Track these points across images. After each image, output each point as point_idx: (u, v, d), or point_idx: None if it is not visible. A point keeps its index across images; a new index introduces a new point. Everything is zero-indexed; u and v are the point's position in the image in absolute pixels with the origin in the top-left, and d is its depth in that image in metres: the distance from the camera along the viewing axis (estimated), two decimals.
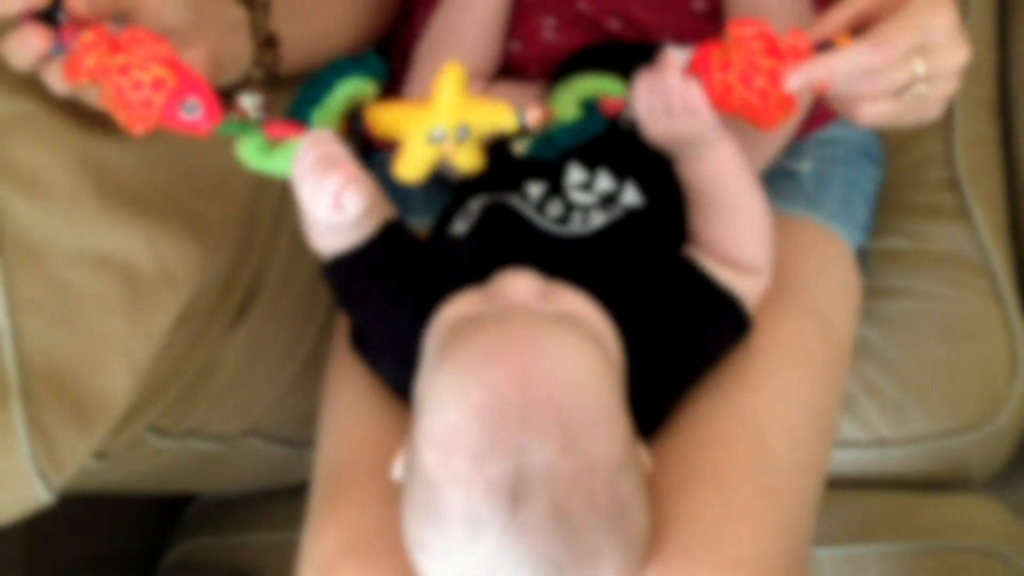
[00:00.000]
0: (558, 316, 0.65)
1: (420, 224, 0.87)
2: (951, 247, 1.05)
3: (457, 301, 0.68)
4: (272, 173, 0.69)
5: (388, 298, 0.72)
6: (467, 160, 0.71)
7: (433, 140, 0.68)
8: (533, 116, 0.70)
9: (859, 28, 0.65)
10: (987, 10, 1.12)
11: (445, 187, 0.87)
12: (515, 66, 0.86)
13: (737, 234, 0.73)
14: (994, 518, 1.05)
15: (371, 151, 1.02)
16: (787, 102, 0.66)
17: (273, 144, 0.68)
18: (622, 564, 0.62)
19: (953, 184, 1.08)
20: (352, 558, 0.69)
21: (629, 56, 0.82)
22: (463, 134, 0.68)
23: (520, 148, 0.73)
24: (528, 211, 0.74)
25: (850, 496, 1.04)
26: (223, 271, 0.82)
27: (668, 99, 0.67)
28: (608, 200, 0.74)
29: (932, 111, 0.67)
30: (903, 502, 1.05)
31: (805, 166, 0.92)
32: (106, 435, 0.71)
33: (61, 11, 0.62)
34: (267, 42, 0.75)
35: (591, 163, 0.76)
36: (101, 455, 0.79)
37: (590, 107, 0.72)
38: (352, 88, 0.71)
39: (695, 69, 0.68)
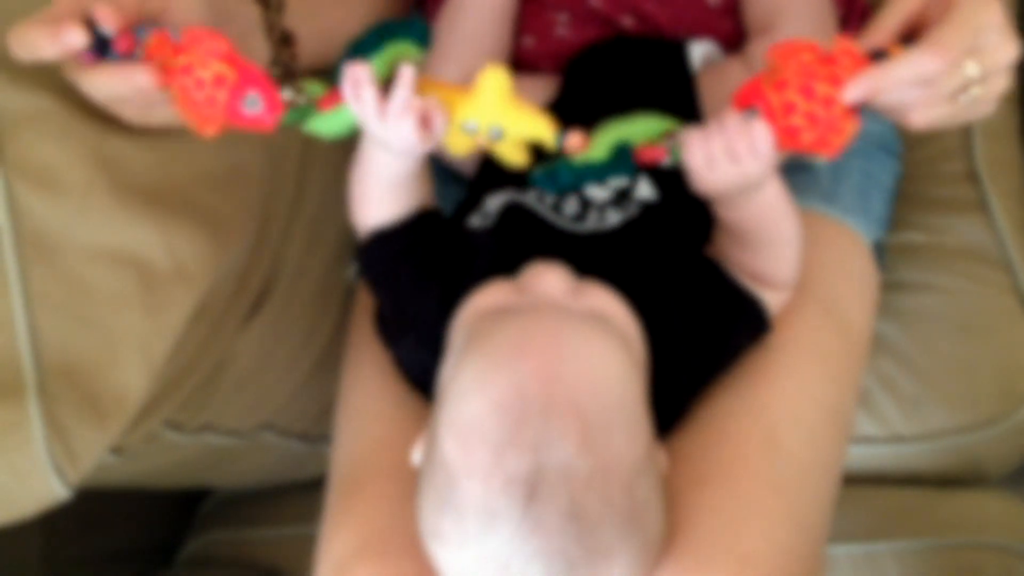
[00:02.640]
0: (587, 314, 0.65)
1: None
2: (969, 241, 1.04)
3: (487, 290, 0.68)
4: (341, 133, 0.68)
5: (416, 282, 0.72)
6: (510, 155, 0.69)
7: (466, 131, 0.67)
8: (573, 141, 0.67)
9: (907, 34, 0.63)
10: (1008, 1, 1.11)
11: (459, 180, 0.87)
12: (528, 61, 0.86)
13: (771, 263, 0.72)
14: (1011, 514, 1.04)
15: None
16: (850, 112, 0.62)
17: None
18: (635, 564, 0.61)
19: (972, 177, 1.07)
20: (368, 557, 0.69)
21: (641, 51, 0.82)
22: (496, 134, 0.67)
23: (537, 168, 0.71)
24: (545, 210, 0.74)
25: (867, 492, 1.04)
26: (238, 266, 0.82)
27: (731, 143, 0.63)
28: (622, 195, 0.74)
29: (985, 109, 0.66)
30: (920, 498, 1.04)
31: (821, 160, 0.91)
32: (122, 430, 0.71)
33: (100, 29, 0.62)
34: (283, 40, 0.75)
35: None
36: (117, 450, 0.80)
37: (621, 152, 0.67)
38: (397, 51, 0.68)
39: (746, 100, 0.64)
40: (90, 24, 0.61)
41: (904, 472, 1.04)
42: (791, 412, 0.73)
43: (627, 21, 0.84)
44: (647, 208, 0.74)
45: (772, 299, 0.73)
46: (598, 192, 0.75)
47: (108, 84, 0.63)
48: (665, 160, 0.66)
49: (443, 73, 0.83)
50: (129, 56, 0.63)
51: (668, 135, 0.67)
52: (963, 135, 1.08)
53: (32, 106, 0.65)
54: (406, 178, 0.70)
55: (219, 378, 0.87)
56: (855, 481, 1.02)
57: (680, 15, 0.83)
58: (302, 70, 0.77)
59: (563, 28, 0.85)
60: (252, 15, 0.74)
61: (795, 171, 0.89)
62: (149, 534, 1.25)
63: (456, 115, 0.66)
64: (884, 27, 0.64)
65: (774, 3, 0.78)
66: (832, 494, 0.76)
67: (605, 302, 0.67)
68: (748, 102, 0.64)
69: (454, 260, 0.72)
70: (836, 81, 0.62)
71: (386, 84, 0.66)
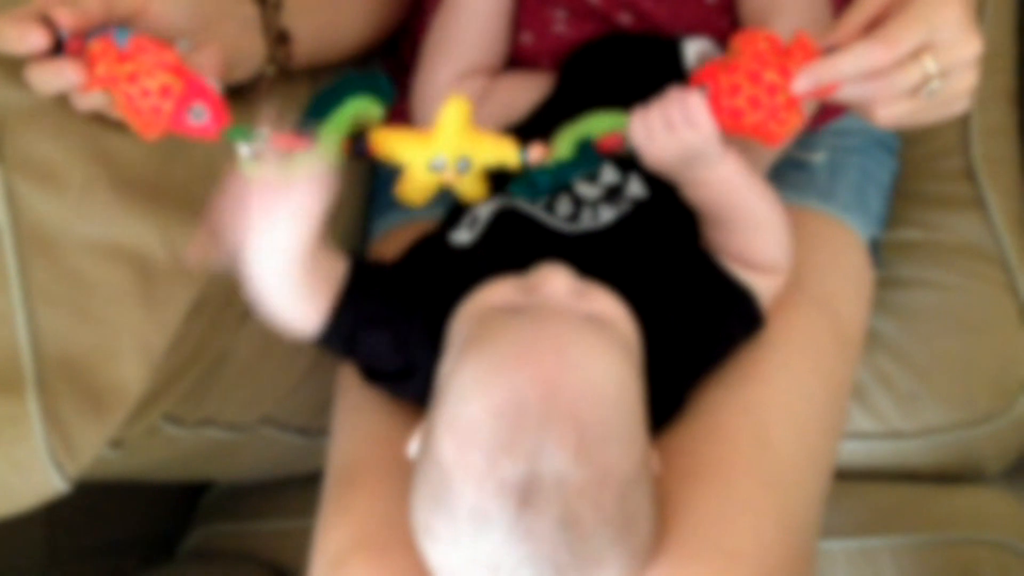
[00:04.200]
0: (589, 318, 0.65)
1: (425, 219, 0.87)
2: (966, 238, 1.04)
3: (495, 287, 0.68)
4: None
5: (399, 344, 0.71)
6: (470, 190, 0.72)
7: (434, 169, 0.69)
8: (535, 154, 0.69)
9: (872, 31, 0.64)
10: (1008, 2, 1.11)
11: None
12: (526, 58, 0.86)
13: (753, 243, 0.72)
14: (1008, 510, 1.04)
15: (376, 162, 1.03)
16: (794, 105, 0.65)
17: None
18: (624, 570, 0.62)
19: (969, 174, 1.07)
20: (363, 552, 0.70)
21: (636, 48, 0.82)
22: (463, 166, 0.69)
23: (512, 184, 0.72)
24: (538, 212, 0.74)
25: (863, 488, 1.04)
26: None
27: (666, 111, 0.66)
28: (614, 192, 0.74)
29: (957, 106, 0.66)
30: (916, 494, 1.05)
31: (819, 157, 0.91)
32: (121, 424, 0.71)
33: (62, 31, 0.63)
34: (279, 39, 0.76)
35: None
36: (116, 444, 0.80)
37: (584, 147, 0.70)
38: (359, 107, 0.70)
39: (699, 80, 0.67)
40: (53, 26, 0.63)
41: (900, 468, 1.05)
42: (782, 408, 0.74)
43: (625, 18, 0.84)
44: (639, 205, 0.74)
45: (765, 286, 0.73)
46: (589, 190, 0.75)
47: (41, 78, 0.64)
48: (624, 146, 0.69)
49: (440, 72, 0.83)
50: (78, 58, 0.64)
51: (624, 125, 0.69)
52: (961, 132, 1.08)
53: (31, 102, 0.66)
54: (303, 273, 0.67)
55: (218, 372, 0.87)
56: (851, 477, 1.03)
57: (678, 12, 0.83)
58: (297, 69, 0.77)
59: (561, 25, 0.85)
60: (249, 13, 0.74)
61: (792, 168, 0.90)
62: (151, 526, 1.25)
63: (423, 156, 0.68)
64: (848, 24, 0.65)
65: (770, 2, 0.78)
66: (823, 490, 0.76)
67: (608, 305, 0.67)
68: (701, 81, 0.66)
69: (436, 286, 0.71)
70: (785, 72, 0.64)
71: (348, 139, 0.69)
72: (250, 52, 0.73)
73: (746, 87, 0.65)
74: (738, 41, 0.66)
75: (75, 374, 0.67)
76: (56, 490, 0.68)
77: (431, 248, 0.77)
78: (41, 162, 0.66)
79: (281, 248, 0.65)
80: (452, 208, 0.80)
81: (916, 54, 0.62)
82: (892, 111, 0.65)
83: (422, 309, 0.71)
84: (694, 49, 0.81)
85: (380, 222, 0.96)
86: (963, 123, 1.08)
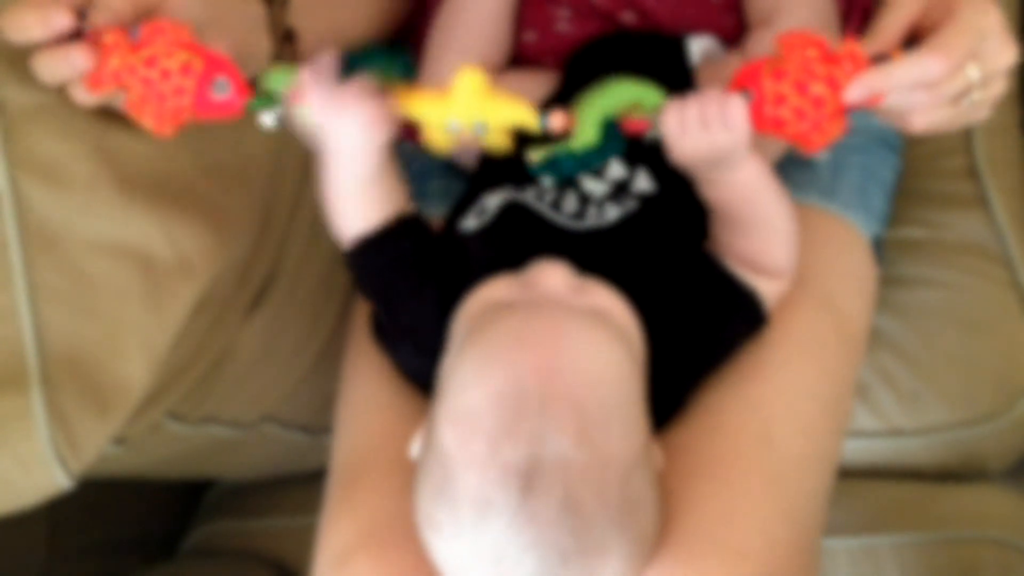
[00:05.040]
0: (588, 311, 0.65)
1: (437, 213, 0.87)
2: (969, 236, 1.04)
3: (492, 285, 0.69)
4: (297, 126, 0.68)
5: (409, 290, 0.73)
6: (495, 143, 0.69)
7: (451, 131, 0.68)
8: (556, 122, 0.68)
9: (907, 39, 0.64)
10: (1009, 4, 1.11)
11: (463, 177, 0.88)
12: (530, 56, 0.87)
13: (763, 245, 0.72)
14: (1010, 508, 1.05)
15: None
16: (839, 114, 0.63)
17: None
18: (628, 558, 0.62)
19: (972, 172, 1.07)
20: (367, 548, 0.70)
21: (640, 46, 0.82)
22: (480, 130, 0.68)
23: (534, 156, 0.71)
24: (544, 208, 0.74)
25: (866, 486, 1.04)
26: (240, 259, 0.82)
27: (704, 109, 0.64)
28: (620, 188, 0.74)
29: (982, 113, 0.66)
30: (919, 492, 1.05)
31: (821, 154, 0.91)
32: (124, 421, 0.71)
33: (85, 24, 0.62)
34: (285, 37, 0.76)
35: None
36: (120, 441, 0.80)
37: (609, 128, 0.68)
38: (382, 66, 0.69)
39: (742, 82, 0.64)
40: (80, 14, 0.62)
41: (903, 466, 1.05)
42: (785, 406, 0.74)
43: (628, 17, 0.84)
44: (646, 201, 0.74)
45: (769, 289, 0.73)
46: (596, 186, 0.75)
47: (48, 65, 0.63)
48: (649, 131, 0.67)
49: (444, 72, 0.83)
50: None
51: (653, 109, 0.67)
52: (963, 131, 1.08)
53: (36, 100, 0.66)
54: (371, 181, 0.69)
55: (222, 370, 0.87)
56: (854, 475, 1.03)
57: (681, 10, 0.83)
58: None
59: (564, 23, 0.85)
60: (255, 12, 0.74)
61: (794, 166, 0.90)
62: (153, 524, 1.25)
63: (439, 118, 0.67)
64: (887, 31, 0.64)
65: (776, 2, 0.78)
66: (826, 488, 0.76)
67: (606, 300, 0.67)
68: (744, 84, 0.64)
69: (449, 263, 0.73)
70: (833, 83, 0.62)
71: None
72: (257, 50, 0.73)
73: (792, 98, 0.63)
74: (784, 44, 0.64)
75: (79, 371, 0.67)
76: (60, 486, 0.68)
77: (442, 234, 0.78)
78: (46, 160, 0.66)
79: (357, 150, 0.67)
80: (460, 198, 0.80)
81: (963, 63, 0.62)
82: (931, 118, 0.64)
83: (436, 278, 0.72)
84: (698, 47, 0.81)
85: None
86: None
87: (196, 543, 1.20)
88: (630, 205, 0.74)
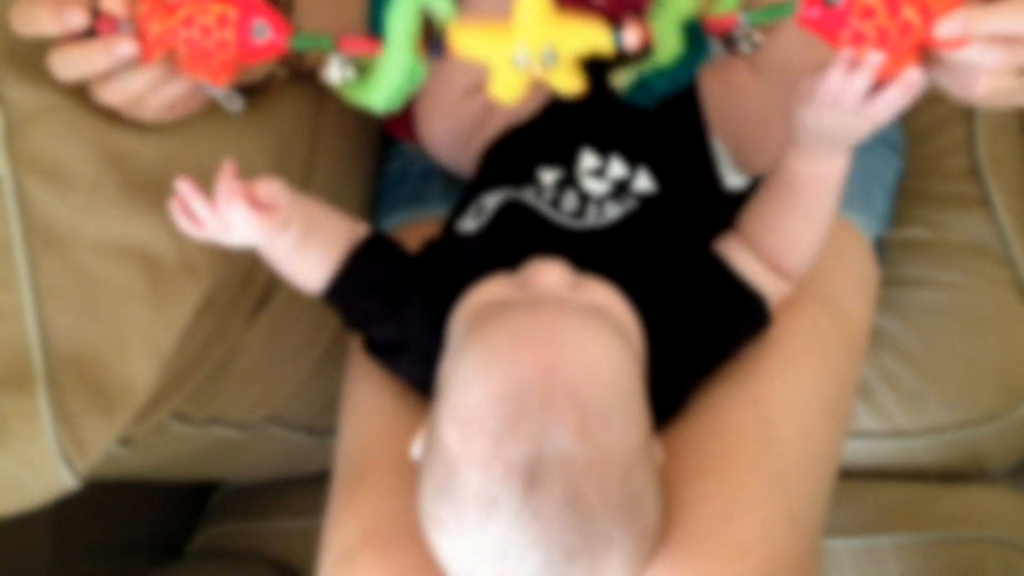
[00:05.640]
0: (586, 307, 0.65)
1: (437, 215, 0.87)
2: (972, 237, 1.04)
3: (488, 285, 0.69)
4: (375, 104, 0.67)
5: (391, 309, 0.73)
6: (563, 82, 0.63)
7: (517, 64, 0.62)
8: (631, 37, 0.61)
9: None
10: None
11: (463, 181, 0.88)
12: None
13: (794, 241, 0.71)
14: (1012, 509, 1.04)
15: (392, 142, 1.03)
16: (916, 51, 0.58)
17: (361, 70, 0.67)
18: (631, 553, 0.62)
19: (974, 173, 1.07)
20: (371, 547, 0.70)
21: None
22: (549, 58, 0.61)
23: (619, 82, 0.66)
24: (544, 207, 0.74)
25: (868, 487, 1.04)
26: (244, 260, 0.82)
27: (867, 91, 0.59)
28: (621, 187, 0.74)
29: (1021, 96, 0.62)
30: (921, 493, 1.05)
31: None
32: (130, 421, 0.72)
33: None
34: (286, 7, 0.76)
35: (604, 148, 0.76)
36: (125, 441, 0.81)
37: (693, 32, 0.60)
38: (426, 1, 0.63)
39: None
40: (93, 10, 0.62)
41: (905, 466, 1.05)
42: (787, 405, 0.74)
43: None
44: (646, 201, 0.74)
45: (774, 290, 0.73)
46: (596, 185, 0.75)
47: (88, 59, 0.63)
48: (737, 31, 0.60)
49: (447, 89, 0.81)
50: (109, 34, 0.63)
51: (739, 6, 0.60)
52: (966, 131, 1.08)
53: (41, 101, 0.66)
54: (300, 243, 0.70)
55: (226, 371, 0.88)
56: (856, 475, 1.03)
57: None
58: (308, 70, 0.77)
59: None
60: None
61: None
62: (159, 525, 1.26)
63: (503, 52, 0.61)
64: None
65: None
66: (828, 487, 0.76)
67: (604, 297, 0.68)
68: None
69: (437, 267, 0.73)
70: (927, 12, 0.58)
71: (423, 41, 0.64)
72: None
73: (880, 15, 0.58)
74: None
75: (85, 372, 0.68)
76: (66, 487, 0.69)
77: (440, 237, 0.78)
78: (51, 161, 0.66)
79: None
80: (459, 199, 0.80)
81: None
82: (996, 85, 0.60)
83: (419, 282, 0.72)
84: None
85: (386, 221, 0.96)
86: (968, 121, 1.08)
87: (202, 544, 1.20)
88: (630, 204, 0.74)
